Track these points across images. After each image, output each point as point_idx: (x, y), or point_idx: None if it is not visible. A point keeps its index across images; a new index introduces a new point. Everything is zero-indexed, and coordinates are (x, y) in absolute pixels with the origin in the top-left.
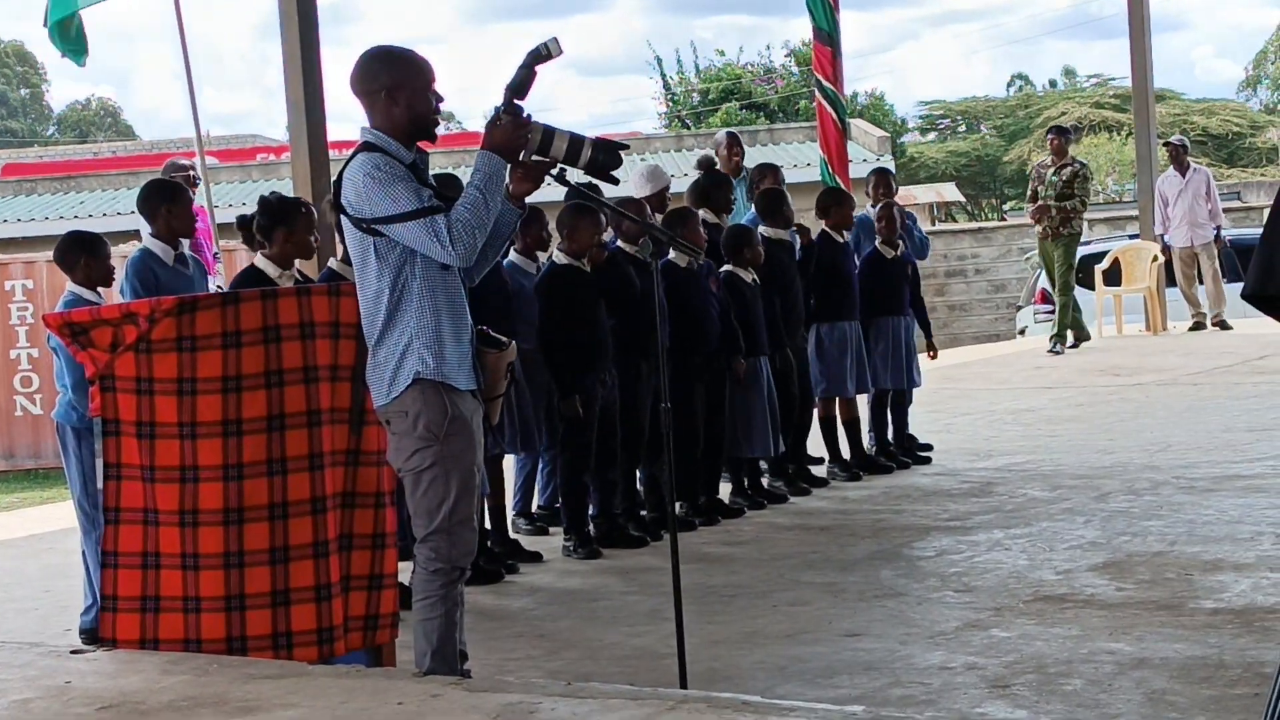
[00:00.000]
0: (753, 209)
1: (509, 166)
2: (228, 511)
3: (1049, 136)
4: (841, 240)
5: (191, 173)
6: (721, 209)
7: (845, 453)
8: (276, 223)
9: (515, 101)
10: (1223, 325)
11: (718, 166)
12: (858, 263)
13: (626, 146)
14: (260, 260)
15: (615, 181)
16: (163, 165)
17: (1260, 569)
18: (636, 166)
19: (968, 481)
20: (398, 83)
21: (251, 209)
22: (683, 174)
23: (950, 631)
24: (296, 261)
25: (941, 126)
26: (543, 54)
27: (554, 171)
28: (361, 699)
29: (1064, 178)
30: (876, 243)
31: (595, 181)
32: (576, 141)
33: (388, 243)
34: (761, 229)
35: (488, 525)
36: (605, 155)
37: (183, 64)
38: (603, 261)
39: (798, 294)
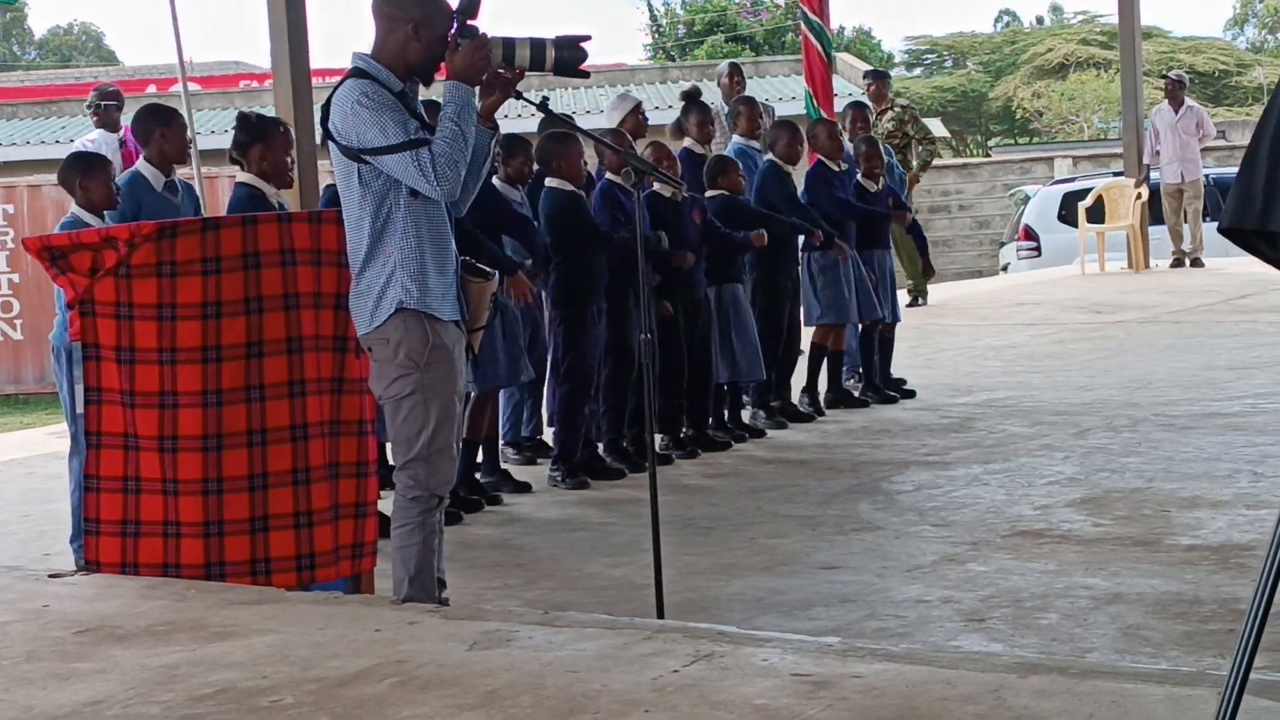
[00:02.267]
0: (736, 138)
1: (477, 89)
2: (206, 437)
3: (866, 81)
4: (837, 169)
5: (114, 103)
6: (706, 139)
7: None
8: (253, 139)
9: (468, 24)
10: (1195, 263)
11: (708, 99)
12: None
13: (588, 37)
14: (244, 176)
15: (586, 75)
16: (92, 90)
17: (1237, 506)
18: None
19: (948, 417)
20: (427, 21)
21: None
22: (667, 105)
23: (927, 565)
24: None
25: (928, 62)
26: None
27: (536, 101)
28: (339, 625)
29: (886, 125)
30: (858, 176)
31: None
32: (538, 46)
33: (373, 170)
34: (769, 157)
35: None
36: (569, 52)
37: None
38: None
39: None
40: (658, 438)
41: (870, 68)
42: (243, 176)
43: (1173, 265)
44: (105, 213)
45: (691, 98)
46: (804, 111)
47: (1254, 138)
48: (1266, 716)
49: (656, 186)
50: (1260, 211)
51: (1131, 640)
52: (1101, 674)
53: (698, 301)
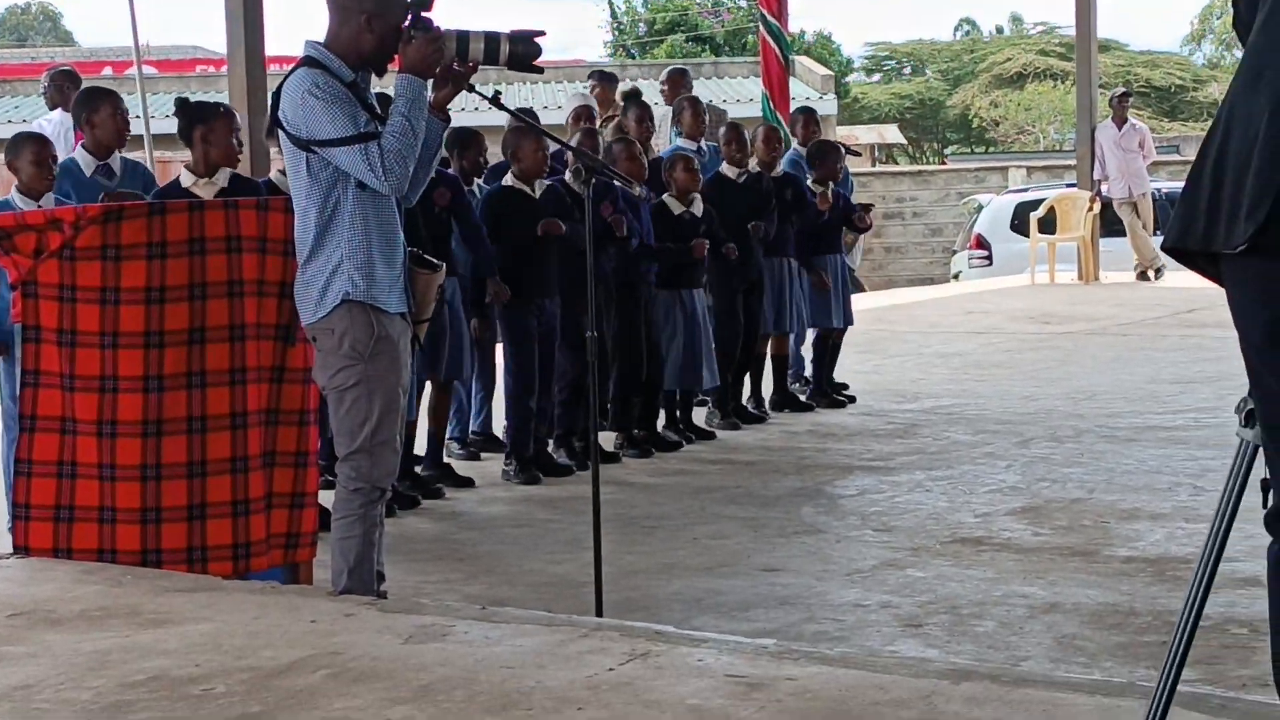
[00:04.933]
0: (678, 138)
1: (430, 82)
2: (146, 423)
3: (590, 82)
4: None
5: (69, 84)
6: (645, 138)
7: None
8: (194, 121)
9: (422, 16)
10: (1144, 277)
11: (656, 103)
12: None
13: (543, 32)
14: (184, 175)
15: (540, 71)
16: (45, 73)
17: (1176, 519)
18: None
19: (893, 423)
20: (381, 12)
21: None
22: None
23: (867, 570)
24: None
25: (887, 68)
26: None
27: (490, 95)
28: (275, 615)
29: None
30: (809, 180)
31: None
32: (493, 39)
33: (321, 161)
34: (722, 166)
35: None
36: (524, 46)
37: None
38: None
39: (741, 233)
40: (611, 436)
41: (599, 69)
42: (184, 178)
43: (1139, 278)
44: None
45: (632, 97)
46: (760, 113)
47: (1199, 157)
48: None
49: (623, 185)
50: (1203, 232)
51: (1066, 650)
52: (1033, 683)
53: (650, 300)
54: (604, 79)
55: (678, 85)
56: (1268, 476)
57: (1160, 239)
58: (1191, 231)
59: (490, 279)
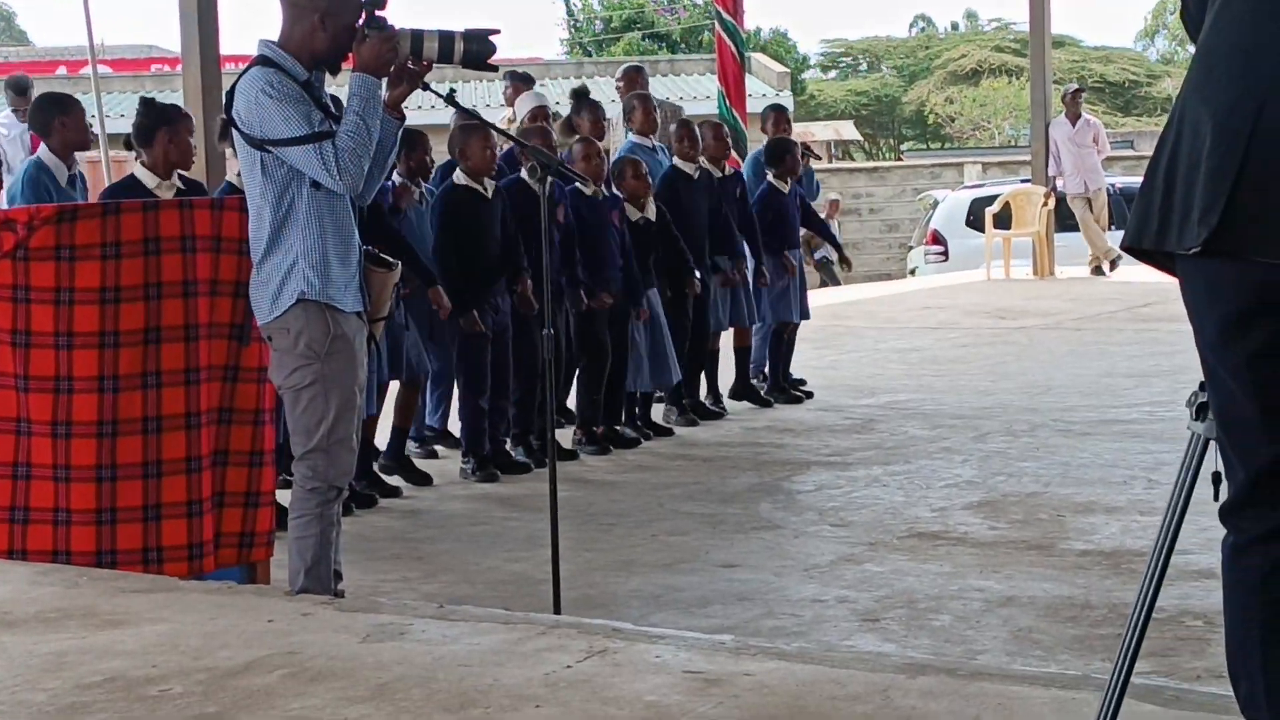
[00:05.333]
0: (630, 136)
1: (384, 81)
2: (101, 424)
3: (504, 84)
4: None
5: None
6: (599, 137)
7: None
8: (159, 122)
9: (376, 14)
10: (1098, 271)
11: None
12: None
13: (497, 30)
14: (139, 170)
15: (494, 69)
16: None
17: (1131, 512)
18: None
19: (850, 418)
20: (334, 11)
21: None
22: None
23: (824, 565)
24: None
25: (843, 65)
26: None
27: (444, 93)
28: (232, 615)
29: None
30: (769, 176)
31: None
32: (447, 38)
33: (275, 160)
34: (675, 160)
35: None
36: (479, 45)
37: None
38: (502, 185)
39: (701, 229)
40: (572, 433)
41: (512, 70)
42: (140, 172)
43: (1093, 272)
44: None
45: (581, 95)
46: (716, 110)
47: (1154, 156)
48: None
49: (579, 184)
50: (1156, 233)
51: (1022, 643)
52: (989, 676)
53: (615, 298)
54: (517, 79)
55: (634, 82)
56: (1219, 470)
57: (1115, 234)
58: (1146, 231)
59: (432, 288)
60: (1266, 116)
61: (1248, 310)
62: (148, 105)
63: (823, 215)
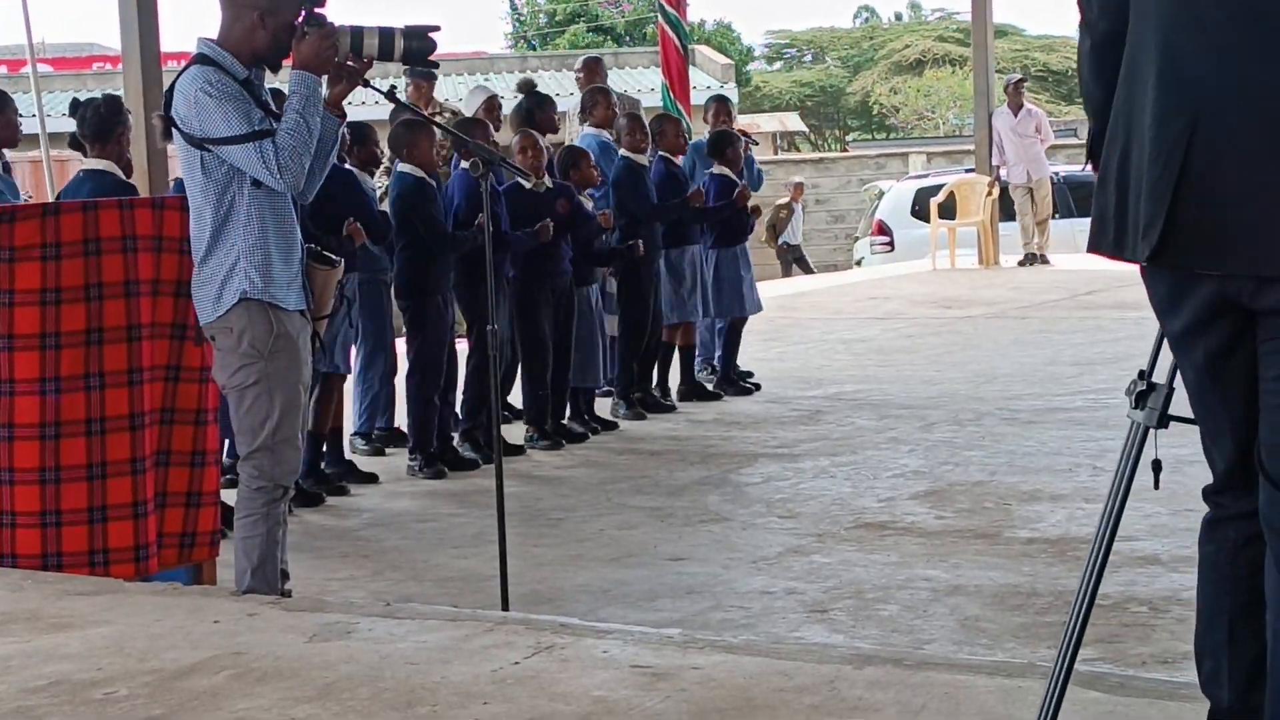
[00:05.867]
0: (587, 128)
1: (325, 78)
2: (44, 425)
3: (406, 81)
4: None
5: None
6: (546, 130)
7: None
8: (118, 119)
9: (316, 12)
10: (1043, 260)
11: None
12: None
13: (437, 27)
14: (105, 164)
15: (435, 65)
16: None
17: (1076, 500)
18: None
19: (797, 410)
20: (274, 8)
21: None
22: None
23: (773, 557)
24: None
25: (787, 56)
26: None
27: (384, 89)
28: (178, 617)
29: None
30: (712, 168)
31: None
32: (387, 35)
33: (216, 159)
34: (622, 152)
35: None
36: (419, 42)
37: None
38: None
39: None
40: (522, 429)
41: (416, 68)
42: (96, 164)
43: (1021, 263)
44: None
45: (529, 89)
46: (660, 104)
47: (1104, 160)
48: (1092, 707)
49: (518, 178)
50: (1114, 242)
51: (969, 632)
52: (935, 665)
53: (563, 293)
54: (417, 77)
55: (593, 74)
56: (1159, 458)
57: (1059, 222)
58: (1104, 239)
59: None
60: (1201, 130)
61: (1205, 313)
62: (115, 102)
63: (787, 199)
